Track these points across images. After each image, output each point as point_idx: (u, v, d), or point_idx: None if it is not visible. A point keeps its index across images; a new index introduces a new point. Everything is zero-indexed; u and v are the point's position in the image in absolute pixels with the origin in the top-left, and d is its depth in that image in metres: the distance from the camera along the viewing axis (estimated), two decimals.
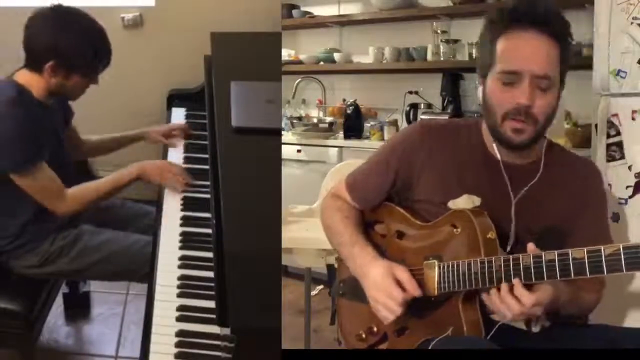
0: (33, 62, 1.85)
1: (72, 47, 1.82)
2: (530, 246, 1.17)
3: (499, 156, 1.34)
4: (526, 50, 1.24)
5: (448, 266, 1.27)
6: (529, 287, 1.17)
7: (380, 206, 1.48)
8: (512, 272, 1.17)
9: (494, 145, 1.34)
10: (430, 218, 1.37)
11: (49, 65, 1.82)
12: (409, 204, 1.44)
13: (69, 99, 2.03)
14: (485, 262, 1.21)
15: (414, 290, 1.28)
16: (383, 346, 1.40)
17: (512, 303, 1.16)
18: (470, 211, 1.28)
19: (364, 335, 1.42)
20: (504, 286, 1.17)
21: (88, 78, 1.92)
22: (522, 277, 1.16)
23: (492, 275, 1.19)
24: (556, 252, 1.13)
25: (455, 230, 1.29)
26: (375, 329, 1.40)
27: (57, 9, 1.84)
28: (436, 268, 1.29)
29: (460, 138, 1.40)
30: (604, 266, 1.07)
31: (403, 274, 1.30)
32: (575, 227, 1.34)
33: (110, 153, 2.35)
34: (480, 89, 1.33)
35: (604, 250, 1.07)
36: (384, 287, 1.30)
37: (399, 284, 1.29)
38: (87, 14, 1.88)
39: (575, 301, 1.29)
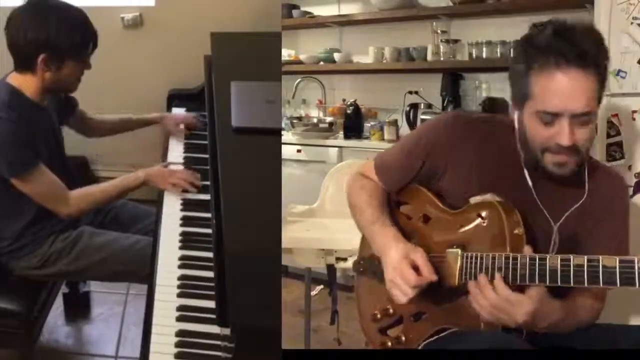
0: (23, 62, 1.83)
1: (58, 34, 1.79)
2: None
3: (530, 182, 1.30)
4: (565, 91, 1.18)
5: (471, 257, 1.26)
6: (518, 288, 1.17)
7: (408, 188, 1.47)
8: (537, 272, 1.15)
9: (526, 172, 1.31)
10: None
11: (41, 58, 1.80)
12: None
13: (67, 91, 2.01)
14: (511, 258, 1.19)
15: (429, 275, 1.27)
16: (397, 329, 1.40)
17: (491, 294, 1.17)
18: (499, 204, 1.27)
19: (379, 316, 1.43)
20: (484, 278, 1.18)
21: (81, 63, 1.89)
22: (548, 280, 1.14)
23: (515, 272, 1.18)
24: (586, 257, 1.10)
25: (482, 221, 1.28)
26: (391, 310, 1.41)
27: (32, 3, 1.82)
28: (459, 258, 1.28)
29: (493, 137, 1.37)
30: (637, 278, 1.04)
31: (420, 258, 1.29)
32: (592, 239, 1.32)
33: (122, 132, 2.36)
34: (516, 114, 1.30)
35: (637, 261, 1.04)
36: (400, 269, 1.29)
37: (415, 267, 1.29)
38: (61, 0, 1.86)
39: (570, 319, 1.27)
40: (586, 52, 1.17)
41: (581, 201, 1.30)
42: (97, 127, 2.29)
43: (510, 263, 1.19)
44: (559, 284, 1.13)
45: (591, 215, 1.32)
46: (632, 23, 2.06)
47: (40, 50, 1.79)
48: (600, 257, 1.09)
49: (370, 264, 1.47)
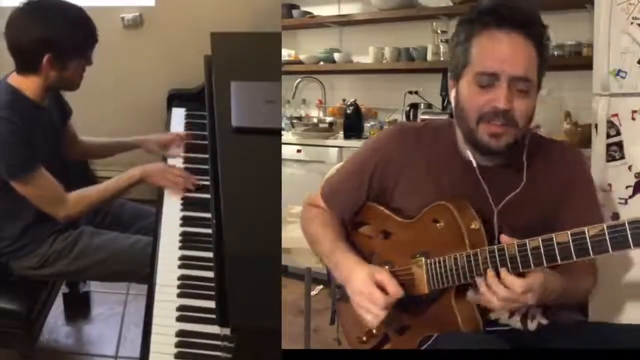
0: (27, 63, 1.82)
1: (61, 34, 1.79)
2: (503, 237, 1.17)
3: (474, 162, 1.30)
4: (504, 51, 1.19)
5: (435, 263, 1.26)
6: (518, 275, 1.15)
7: (363, 207, 1.46)
8: (498, 263, 1.16)
9: (468, 151, 1.30)
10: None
11: (46, 59, 1.79)
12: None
13: (70, 89, 2.00)
14: (471, 256, 1.20)
15: (396, 292, 1.26)
16: (387, 347, 1.39)
17: (500, 289, 1.15)
18: (451, 203, 1.26)
19: (364, 338, 1.42)
20: (492, 275, 1.16)
21: (83, 59, 1.88)
22: (509, 267, 1.15)
23: (479, 268, 1.19)
24: (540, 238, 1.12)
25: (438, 224, 1.28)
26: (374, 330, 1.40)
27: (30, 4, 1.81)
28: (424, 266, 1.28)
29: (434, 142, 1.37)
30: (590, 248, 1.06)
31: (384, 276, 1.27)
32: (564, 216, 1.31)
33: (106, 157, 2.34)
34: (452, 91, 1.30)
35: (587, 231, 1.06)
36: (366, 291, 1.28)
37: (381, 287, 1.27)
38: None
39: (573, 290, 1.27)
40: (527, 19, 1.20)
41: (517, 190, 1.28)
42: (80, 149, 2.23)
43: (472, 260, 1.20)
44: (521, 269, 1.14)
45: (551, 193, 1.32)
46: (632, 23, 2.05)
47: (45, 51, 1.79)
48: (554, 235, 1.10)
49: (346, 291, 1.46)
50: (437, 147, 1.36)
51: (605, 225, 1.05)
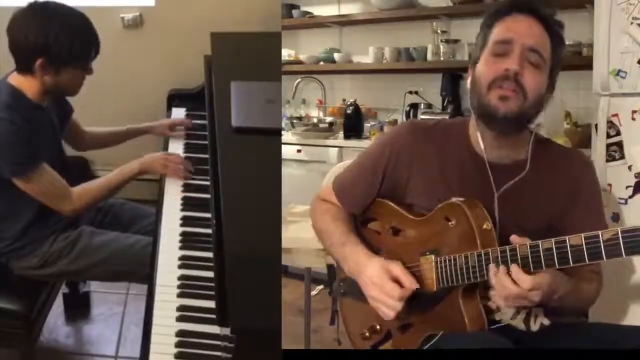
0: (22, 64, 1.83)
1: (58, 40, 1.78)
2: (514, 238, 1.17)
3: (482, 145, 1.32)
4: (520, 26, 1.27)
5: (445, 261, 1.26)
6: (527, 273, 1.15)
7: (373, 203, 1.47)
8: (509, 263, 1.16)
9: (478, 134, 1.32)
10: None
11: (39, 63, 1.79)
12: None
13: (68, 94, 2.00)
14: (482, 255, 1.20)
15: (411, 284, 1.27)
16: (388, 344, 1.39)
17: (508, 283, 1.15)
18: (464, 203, 1.27)
19: (367, 334, 1.42)
20: (502, 268, 1.17)
21: (81, 69, 1.88)
22: (520, 268, 1.15)
23: (489, 267, 1.18)
24: (553, 240, 1.12)
25: (449, 223, 1.28)
26: (378, 327, 1.40)
27: (35, 5, 1.81)
28: (433, 264, 1.28)
29: (447, 139, 1.39)
30: (603, 251, 1.06)
31: (398, 269, 1.29)
32: (569, 221, 1.32)
33: (114, 145, 2.34)
34: (469, 79, 1.33)
35: (601, 235, 1.06)
36: (380, 284, 1.29)
37: (395, 280, 1.28)
38: (66, 4, 1.85)
39: (577, 293, 1.27)
40: (548, 15, 1.29)
41: (520, 176, 1.31)
42: (88, 140, 2.26)
43: (483, 259, 1.20)
44: (532, 270, 1.14)
45: (559, 196, 1.33)
46: (632, 23, 2.05)
47: (39, 55, 1.79)
48: (567, 237, 1.10)
49: (350, 285, 1.45)
50: (449, 145, 1.38)
51: (620, 230, 1.04)
